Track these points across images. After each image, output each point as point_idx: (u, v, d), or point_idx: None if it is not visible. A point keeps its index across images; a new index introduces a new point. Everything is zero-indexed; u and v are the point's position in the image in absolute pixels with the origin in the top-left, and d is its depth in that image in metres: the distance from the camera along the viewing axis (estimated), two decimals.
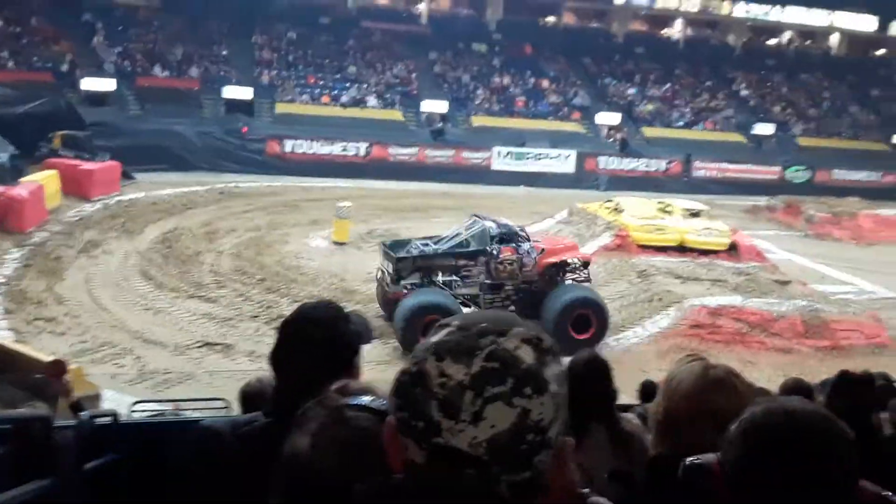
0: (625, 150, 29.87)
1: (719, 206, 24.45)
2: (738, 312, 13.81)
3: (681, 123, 32.53)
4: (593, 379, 3.42)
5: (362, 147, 27.11)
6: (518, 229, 12.99)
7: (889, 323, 15.04)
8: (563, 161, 28.66)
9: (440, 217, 20.70)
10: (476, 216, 13.57)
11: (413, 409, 0.90)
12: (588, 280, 13.35)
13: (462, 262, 12.39)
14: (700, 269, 16.75)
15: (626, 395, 5.73)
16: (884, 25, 37.65)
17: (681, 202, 20.01)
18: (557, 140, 29.15)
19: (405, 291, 11.81)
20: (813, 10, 37.02)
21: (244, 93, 27.82)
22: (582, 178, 28.14)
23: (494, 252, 12.35)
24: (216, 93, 27.62)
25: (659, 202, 20.01)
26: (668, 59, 35.77)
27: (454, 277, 12.25)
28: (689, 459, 1.39)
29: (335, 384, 1.45)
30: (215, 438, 1.85)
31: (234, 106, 27.53)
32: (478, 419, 0.86)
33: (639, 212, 19.02)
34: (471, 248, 12.53)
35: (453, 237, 12.88)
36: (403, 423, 0.91)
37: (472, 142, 28.63)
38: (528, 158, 28.33)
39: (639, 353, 12.98)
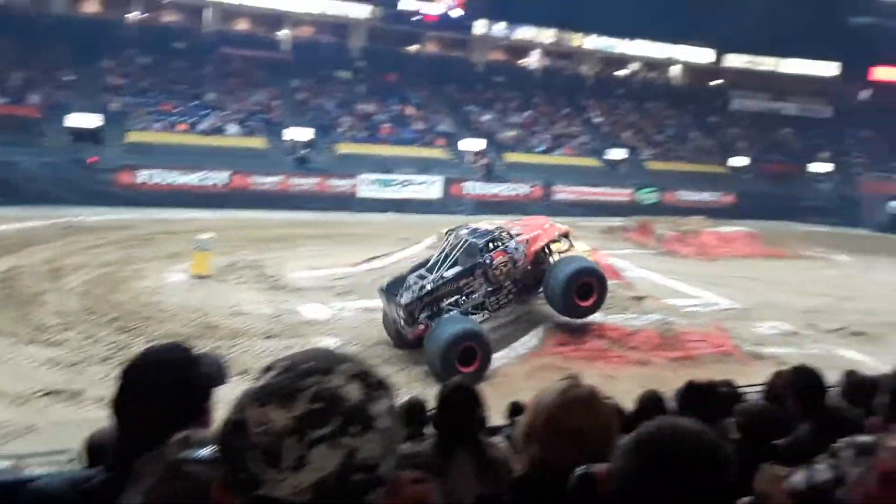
0: (489, 175, 30.71)
1: (579, 227, 25.53)
2: (600, 329, 14.36)
3: (541, 149, 33.91)
4: (459, 407, 3.42)
5: (223, 176, 26.24)
6: (498, 232, 13.38)
7: (733, 332, 16.20)
8: (430, 187, 29.06)
9: (306, 245, 20.29)
10: (450, 231, 13.91)
11: (234, 461, 0.85)
12: (571, 247, 14.23)
13: (463, 282, 12.78)
14: None
15: (498, 416, 5.78)
16: (719, 58, 41.15)
17: None
18: (423, 166, 29.56)
19: (422, 327, 12.09)
20: (656, 43, 39.91)
21: (91, 120, 26.20)
22: (448, 204, 28.62)
23: (488, 261, 12.86)
24: (59, 120, 25.86)
25: None
26: (526, 87, 37.32)
27: (460, 297, 12.70)
28: (578, 469, 1.44)
29: (178, 434, 1.33)
30: (47, 500, 1.68)
31: (81, 135, 25.84)
32: (301, 465, 0.82)
33: None
34: (466, 266, 12.83)
35: (444, 260, 12.99)
36: (227, 475, 0.86)
37: (338, 169, 28.45)
38: (394, 185, 28.49)
39: (509, 373, 13.20)
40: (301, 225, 23.58)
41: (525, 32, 38.11)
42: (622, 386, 13.22)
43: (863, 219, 33.94)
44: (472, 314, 12.51)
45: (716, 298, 19.30)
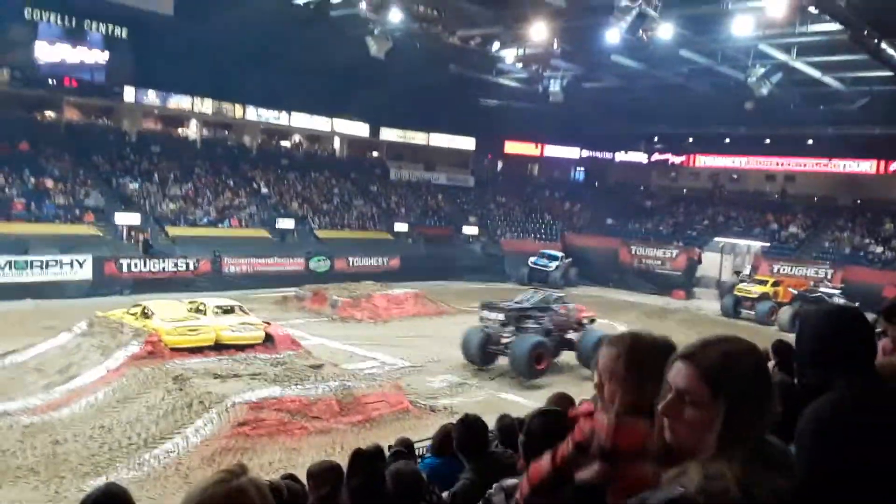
0: (148, 251, 28.43)
1: (252, 299, 24.78)
2: (279, 402, 13.82)
3: (205, 221, 32.45)
4: None
5: None
6: (563, 296, 23.43)
7: (408, 389, 16.81)
8: (77, 268, 25.87)
9: None
10: (532, 289, 24.09)
11: None
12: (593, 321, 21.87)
13: (538, 314, 20.12)
14: (238, 364, 16.44)
15: None
16: (374, 131, 43.84)
17: (212, 300, 19.65)
18: (69, 245, 26.24)
19: (507, 334, 19.19)
20: (315, 116, 41.18)
21: None
22: (102, 285, 25.79)
23: (556, 308, 20.74)
24: None
25: (190, 302, 19.35)
26: (186, 158, 35.65)
27: (531, 324, 19.66)
28: None
29: None
30: None
31: None
32: None
33: (169, 314, 18.00)
34: (544, 305, 20.69)
35: (528, 300, 21.26)
36: None
37: None
38: (33, 268, 24.83)
39: (184, 463, 11.98)
40: None
41: (180, 101, 36.53)
42: (305, 458, 12.81)
43: (508, 274, 38.33)
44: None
45: (391, 359, 19.97)
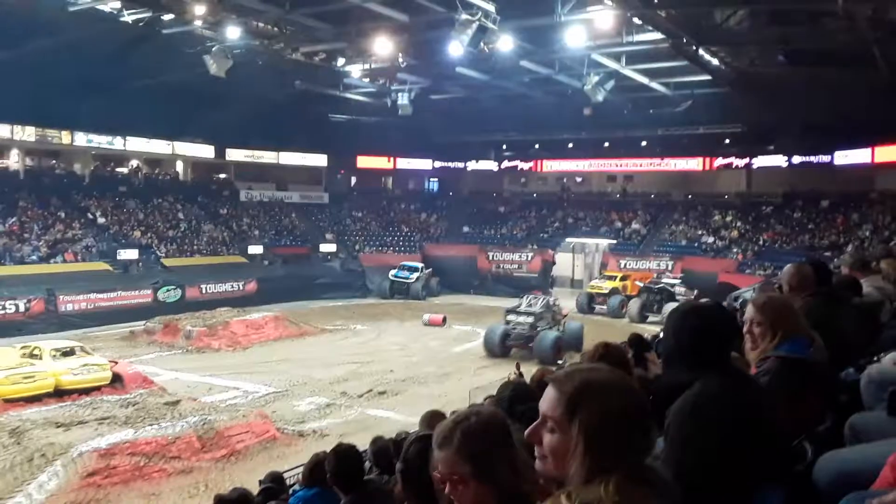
0: None
1: (94, 338, 23.05)
2: (133, 446, 12.82)
3: (35, 258, 29.73)
4: None
5: None
6: (556, 298, 28.71)
7: (275, 416, 16.16)
8: None
9: None
10: (531, 294, 28.00)
11: None
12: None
13: (545, 314, 25.40)
14: (83, 410, 15.15)
15: None
16: (221, 152, 42.12)
17: (49, 343, 18.04)
18: None
19: (538, 329, 24.13)
20: (154, 140, 38.98)
21: None
22: None
23: (556, 309, 26.38)
24: None
25: (23, 347, 17.70)
26: (9, 190, 32.53)
27: (541, 321, 24.84)
28: None
29: None
30: None
31: None
32: None
33: (0, 361, 16.32)
34: (548, 307, 25.94)
35: (537, 303, 25.96)
36: None
37: None
38: None
39: None
40: None
41: None
42: (169, 500, 11.97)
43: (370, 289, 38.07)
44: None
45: (254, 386, 19.17)
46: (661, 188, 43.22)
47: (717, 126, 38.30)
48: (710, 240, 37.78)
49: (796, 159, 37.78)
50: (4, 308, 25.86)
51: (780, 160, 38.53)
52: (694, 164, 41.84)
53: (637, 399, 1.48)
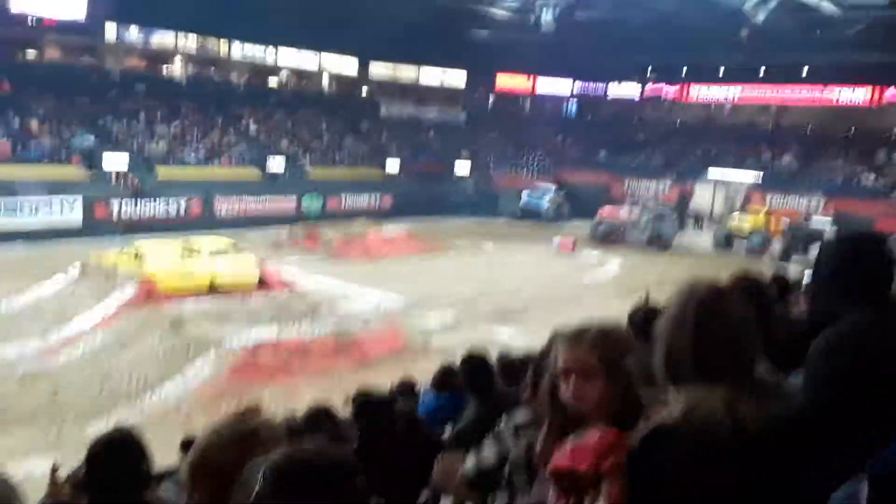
0: (139, 192, 28.13)
1: (246, 240, 24.74)
2: (276, 344, 13.94)
3: (195, 161, 32.03)
4: (114, 464, 2.89)
5: None
6: None
7: (404, 328, 16.92)
8: (67, 211, 25.64)
9: None
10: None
11: None
12: None
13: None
14: (234, 306, 16.50)
15: (173, 455, 5.05)
16: (364, 65, 42.91)
17: (206, 241, 19.53)
18: (57, 187, 25.90)
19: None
20: (303, 51, 40.19)
21: None
22: (93, 228, 25.52)
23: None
24: None
25: (183, 243, 19.22)
26: (172, 97, 34.92)
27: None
28: None
29: None
30: None
31: None
32: None
33: (162, 257, 17.95)
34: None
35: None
36: None
37: None
38: (21, 211, 24.59)
39: (183, 406, 12.14)
40: None
41: (163, 38, 35.48)
42: (305, 398, 12.96)
43: (500, 210, 38.25)
44: None
45: (386, 298, 20.01)
46: (819, 121, 39.89)
47: (894, 54, 34.52)
48: (872, 178, 34.75)
49: None
50: (168, 207, 28.27)
51: None
52: (861, 94, 38.07)
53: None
